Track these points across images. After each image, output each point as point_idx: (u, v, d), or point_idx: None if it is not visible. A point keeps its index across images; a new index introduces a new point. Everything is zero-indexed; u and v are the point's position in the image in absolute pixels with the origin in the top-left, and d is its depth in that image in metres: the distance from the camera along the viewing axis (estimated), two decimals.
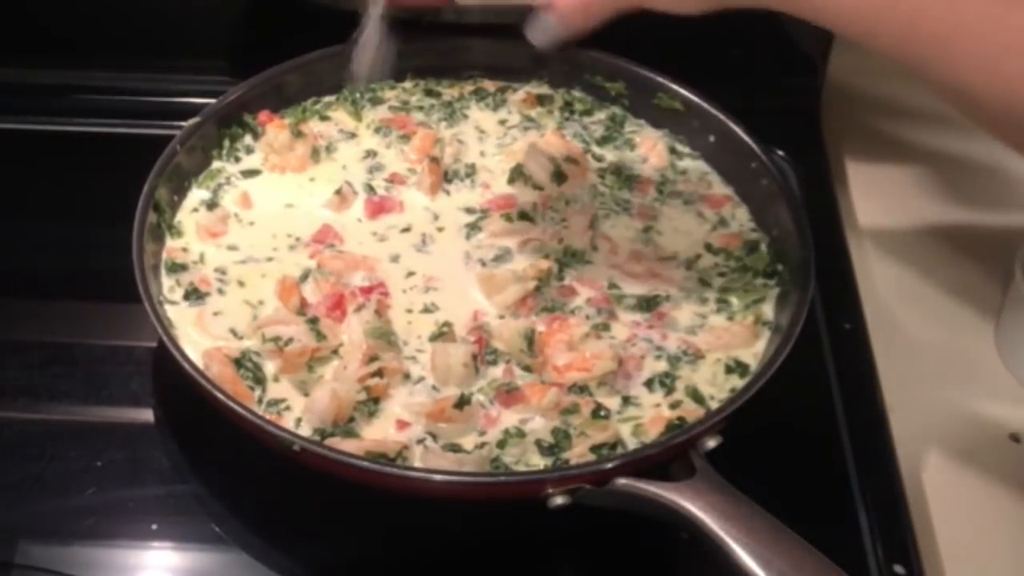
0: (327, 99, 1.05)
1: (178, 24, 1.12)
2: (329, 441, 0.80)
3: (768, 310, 0.90)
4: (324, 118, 1.04)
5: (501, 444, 0.81)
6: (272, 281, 0.90)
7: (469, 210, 0.98)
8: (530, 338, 0.87)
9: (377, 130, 1.03)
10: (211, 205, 0.96)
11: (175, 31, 1.12)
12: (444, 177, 0.99)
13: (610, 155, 1.03)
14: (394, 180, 0.99)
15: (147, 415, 0.90)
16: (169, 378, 0.85)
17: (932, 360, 0.95)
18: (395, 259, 0.93)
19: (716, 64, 1.06)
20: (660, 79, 1.03)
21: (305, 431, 0.81)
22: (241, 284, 0.91)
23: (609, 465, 0.76)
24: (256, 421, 0.77)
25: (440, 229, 0.96)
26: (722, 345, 0.88)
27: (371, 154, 1.01)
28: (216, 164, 0.99)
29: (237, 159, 1.00)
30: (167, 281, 0.90)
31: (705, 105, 1.02)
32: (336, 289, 0.89)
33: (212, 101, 0.99)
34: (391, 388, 0.84)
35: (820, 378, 0.93)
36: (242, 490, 0.85)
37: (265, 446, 0.78)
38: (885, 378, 0.92)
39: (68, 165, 1.08)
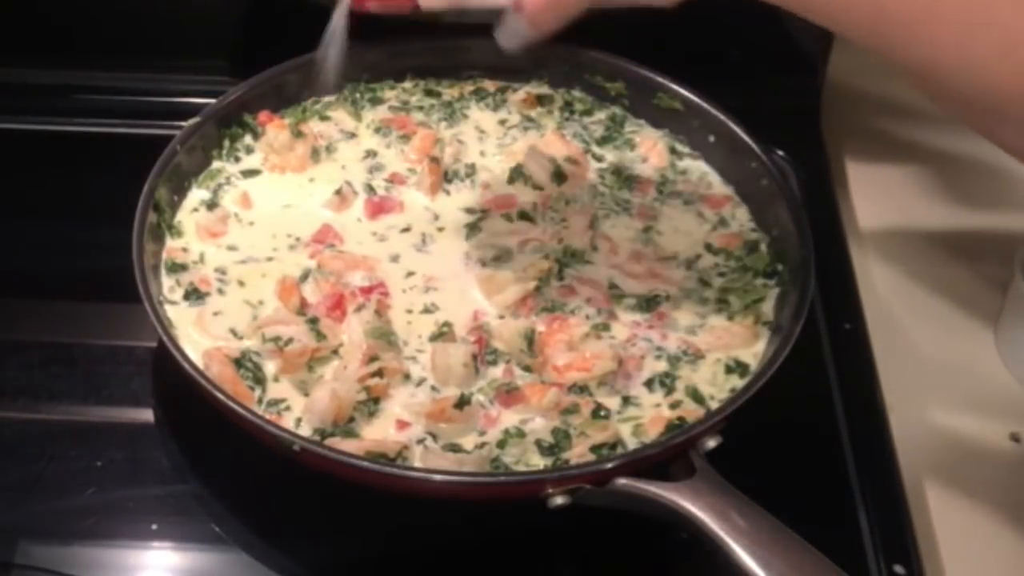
0: (327, 99, 1.05)
1: (178, 24, 1.12)
2: (329, 441, 0.80)
3: (768, 310, 0.90)
4: (324, 118, 1.04)
5: (501, 444, 0.81)
6: (272, 281, 0.90)
7: (469, 210, 0.98)
8: (530, 338, 0.87)
9: (377, 130, 1.03)
10: (211, 205, 0.96)
11: (175, 31, 1.12)
12: (444, 177, 0.99)
13: (610, 155, 1.03)
14: (394, 180, 0.99)
15: (147, 415, 0.90)
16: (169, 378, 0.85)
17: (932, 360, 0.95)
18: (395, 259, 0.93)
19: (716, 64, 1.06)
20: (660, 79, 1.03)
21: (305, 431, 0.81)
22: (241, 284, 0.91)
23: (609, 465, 0.76)
24: (256, 421, 0.77)
25: (440, 229, 0.96)
26: (722, 345, 0.88)
27: (371, 154, 1.01)
28: (216, 164, 0.99)
29: (237, 159, 1.00)
30: (167, 281, 0.90)
31: (705, 105, 1.02)
32: (336, 289, 0.89)
33: (212, 101, 0.99)
34: (391, 388, 0.84)
35: (820, 378, 0.93)
36: (242, 490, 0.85)
37: (265, 446, 0.78)
38: (885, 378, 0.92)
39: (68, 165, 1.08)
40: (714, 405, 0.84)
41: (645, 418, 0.83)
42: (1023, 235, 0.94)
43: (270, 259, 0.93)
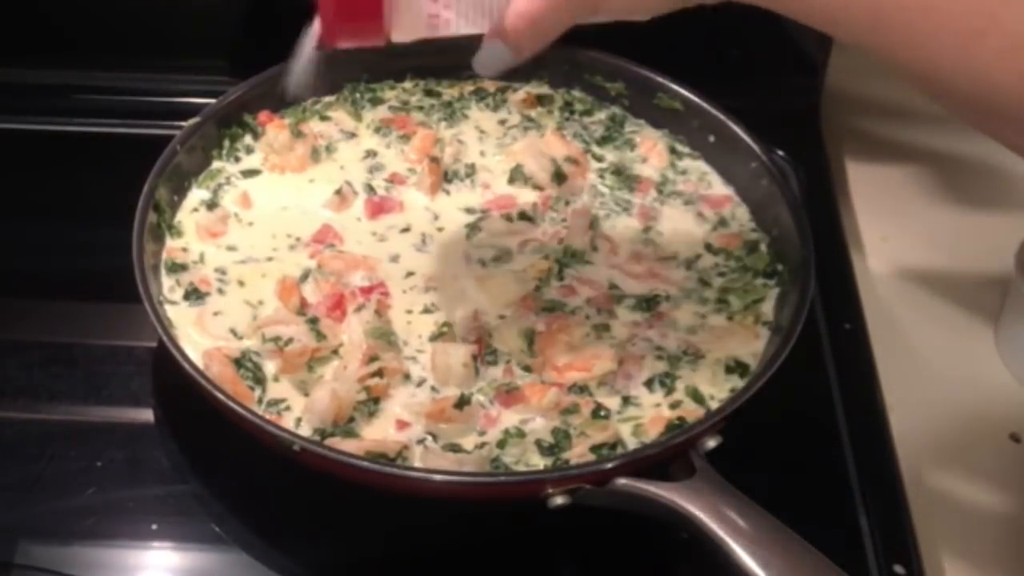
0: (327, 99, 1.05)
1: (178, 24, 1.12)
2: (329, 441, 0.80)
3: (768, 310, 0.90)
4: (324, 118, 1.04)
5: (501, 444, 0.81)
6: (272, 281, 0.90)
7: (469, 210, 0.98)
8: (530, 338, 0.87)
9: (377, 130, 1.03)
10: (211, 205, 0.96)
11: (175, 31, 1.12)
12: (444, 177, 0.99)
13: (610, 155, 1.03)
14: (394, 180, 0.99)
15: (147, 415, 0.90)
16: (169, 378, 0.85)
17: (932, 360, 0.95)
18: (395, 259, 0.93)
19: (716, 64, 1.06)
20: (660, 79, 1.03)
21: (305, 431, 0.81)
22: (241, 284, 0.91)
23: (609, 465, 0.76)
24: (256, 421, 0.77)
25: (440, 229, 0.96)
26: (722, 345, 0.88)
27: (371, 154, 1.01)
28: (216, 164, 0.99)
29: (237, 159, 1.00)
30: (167, 281, 0.90)
31: (705, 105, 1.02)
32: (336, 289, 0.89)
33: (212, 101, 0.99)
34: (391, 388, 0.84)
35: (820, 378, 0.93)
36: (242, 490, 0.85)
37: (265, 446, 0.78)
38: (885, 378, 0.92)
39: (68, 165, 1.07)
40: (714, 405, 0.84)
41: (645, 418, 0.83)
42: (1023, 235, 0.94)
43: (270, 259, 0.93)
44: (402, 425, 0.82)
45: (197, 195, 0.97)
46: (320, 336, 0.86)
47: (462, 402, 0.82)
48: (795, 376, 0.82)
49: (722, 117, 1.00)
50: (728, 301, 0.91)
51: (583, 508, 0.75)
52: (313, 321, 0.87)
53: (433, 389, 0.85)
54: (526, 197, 0.98)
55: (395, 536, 0.82)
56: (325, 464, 0.76)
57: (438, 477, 0.77)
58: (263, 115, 1.01)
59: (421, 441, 0.81)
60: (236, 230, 0.95)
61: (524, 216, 0.97)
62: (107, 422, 0.90)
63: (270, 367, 0.85)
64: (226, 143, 0.99)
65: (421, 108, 1.06)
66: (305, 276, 0.91)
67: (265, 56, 1.01)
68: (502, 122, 1.05)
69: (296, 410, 0.83)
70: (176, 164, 0.94)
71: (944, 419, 0.91)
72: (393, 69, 1.07)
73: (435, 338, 0.87)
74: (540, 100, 1.06)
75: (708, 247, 0.96)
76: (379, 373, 0.83)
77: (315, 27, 0.71)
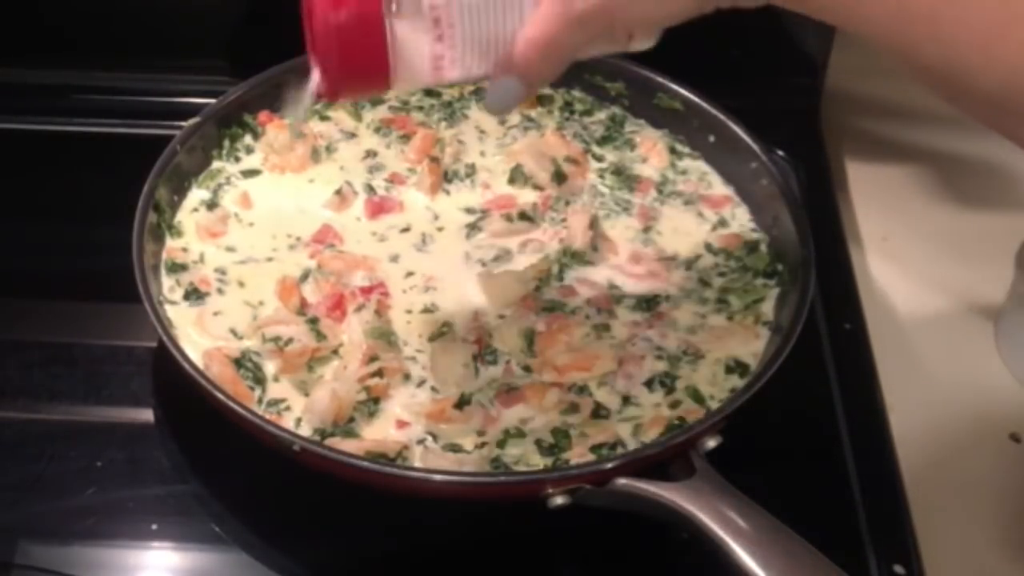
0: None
1: (178, 24, 1.12)
2: (329, 441, 0.80)
3: (768, 310, 0.90)
4: (324, 118, 1.04)
5: (501, 444, 0.81)
6: (272, 281, 0.90)
7: (469, 210, 0.98)
8: (530, 338, 0.87)
9: (377, 130, 1.03)
10: (211, 205, 0.96)
11: (175, 31, 1.12)
12: (444, 177, 0.99)
13: (610, 155, 1.03)
14: (394, 180, 0.99)
15: (147, 415, 0.90)
16: (169, 378, 0.85)
17: (932, 360, 0.95)
18: (395, 259, 0.93)
19: (716, 64, 1.06)
20: (660, 79, 1.03)
21: (305, 431, 0.81)
22: (241, 284, 0.91)
23: (609, 465, 0.76)
24: (256, 421, 0.77)
25: (440, 229, 0.96)
26: (722, 345, 0.88)
27: (371, 154, 1.01)
28: (216, 164, 0.99)
29: (237, 159, 1.00)
30: (167, 281, 0.90)
31: (705, 105, 1.01)
32: (336, 289, 0.89)
33: (212, 101, 0.99)
34: (391, 388, 0.84)
35: (820, 378, 0.93)
36: (242, 490, 0.85)
37: (265, 446, 0.78)
38: (885, 378, 0.92)
39: (68, 165, 1.07)
40: (714, 405, 0.84)
41: (645, 418, 0.83)
42: (1023, 235, 0.94)
43: (270, 259, 0.93)
44: (402, 425, 0.82)
45: (197, 195, 0.97)
46: (320, 336, 0.86)
47: (462, 402, 0.82)
48: (795, 376, 0.82)
49: (722, 117, 1.00)
50: (728, 301, 0.91)
51: (583, 508, 0.75)
52: (313, 321, 0.87)
53: (433, 389, 0.85)
54: (526, 197, 0.98)
55: (395, 536, 0.82)
56: (325, 464, 0.76)
57: (438, 477, 0.77)
58: (263, 115, 1.01)
59: (421, 441, 0.81)
60: (236, 230, 0.95)
61: (524, 216, 0.97)
62: (107, 422, 0.90)
63: (270, 367, 0.85)
64: (226, 143, 0.99)
65: (421, 108, 1.06)
66: (305, 276, 0.91)
67: (265, 56, 1.01)
68: (502, 122, 1.05)
69: (296, 410, 0.83)
70: (176, 164, 0.94)
71: (944, 419, 0.91)
72: None
73: (435, 338, 0.87)
74: (540, 100, 1.06)
75: (708, 247, 0.96)
76: (379, 373, 0.83)
77: (313, 80, 0.70)
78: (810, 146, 1.11)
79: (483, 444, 0.81)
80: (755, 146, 0.98)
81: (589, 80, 1.06)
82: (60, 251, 1.01)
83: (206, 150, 0.98)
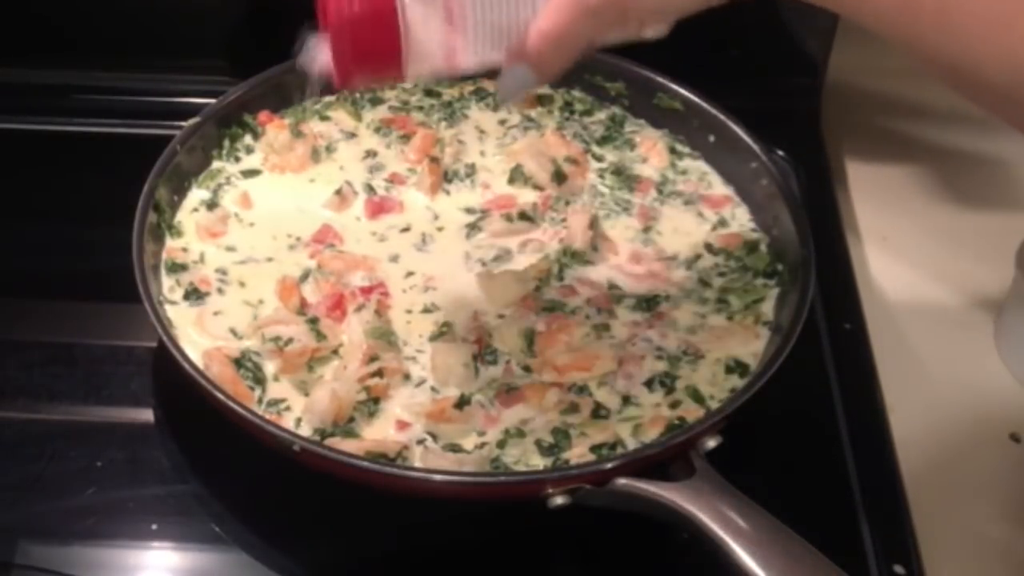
0: (327, 99, 1.05)
1: (178, 24, 1.12)
2: (329, 441, 0.80)
3: (768, 310, 0.90)
4: (324, 118, 1.04)
5: (501, 444, 0.81)
6: (272, 281, 0.90)
7: (469, 210, 0.98)
8: (530, 338, 0.87)
9: (377, 130, 1.03)
10: (211, 205, 0.96)
11: (175, 31, 1.12)
12: (444, 177, 0.99)
13: (610, 155, 1.03)
14: (394, 180, 0.99)
15: (147, 415, 0.90)
16: (169, 378, 0.85)
17: (932, 360, 0.95)
18: (395, 259, 0.93)
19: (716, 64, 1.06)
20: (660, 79, 1.03)
21: (305, 431, 0.81)
22: (241, 284, 0.91)
23: (609, 465, 0.76)
24: (256, 421, 0.77)
25: (440, 229, 0.96)
26: (722, 345, 0.88)
27: (371, 154, 1.01)
28: (216, 164, 0.99)
29: (237, 159, 1.00)
30: (167, 281, 0.90)
31: (705, 105, 1.02)
32: (336, 289, 0.89)
33: (212, 101, 0.99)
34: (391, 388, 0.84)
35: (820, 378, 0.93)
36: (242, 490, 0.85)
37: (265, 446, 0.78)
38: (885, 378, 0.92)
39: (68, 165, 1.07)
40: (714, 405, 0.84)
41: (645, 418, 0.83)
42: (1023, 235, 0.94)
43: (270, 259, 0.93)
44: (402, 425, 0.82)
45: (197, 195, 0.97)
46: (320, 336, 0.86)
47: (462, 402, 0.82)
48: (795, 376, 0.82)
49: (722, 117, 1.00)
50: (728, 301, 0.91)
51: (583, 508, 0.75)
52: (313, 321, 0.87)
53: (433, 389, 0.85)
54: (526, 197, 0.98)
55: (395, 536, 0.82)
56: (325, 464, 0.76)
57: (438, 477, 0.77)
58: (263, 115, 1.01)
59: (421, 441, 0.81)
60: (236, 230, 0.95)
61: (524, 216, 0.97)
62: (107, 422, 0.90)
63: (270, 367, 0.85)
64: (226, 143, 0.99)
65: (421, 108, 1.06)
66: (305, 276, 0.91)
67: (265, 56, 1.01)
68: (502, 122, 1.05)
69: (296, 410, 0.83)
70: (176, 164, 0.95)
71: (944, 419, 0.91)
72: None
73: (435, 338, 0.87)
74: (540, 100, 1.06)
75: (708, 247, 0.96)
76: (379, 373, 0.83)
77: (321, 54, 0.70)
78: (810, 146, 1.12)
79: (483, 444, 0.81)
80: (755, 146, 0.98)
81: (589, 80, 1.06)
82: (60, 251, 1.01)
83: (206, 150, 0.98)
